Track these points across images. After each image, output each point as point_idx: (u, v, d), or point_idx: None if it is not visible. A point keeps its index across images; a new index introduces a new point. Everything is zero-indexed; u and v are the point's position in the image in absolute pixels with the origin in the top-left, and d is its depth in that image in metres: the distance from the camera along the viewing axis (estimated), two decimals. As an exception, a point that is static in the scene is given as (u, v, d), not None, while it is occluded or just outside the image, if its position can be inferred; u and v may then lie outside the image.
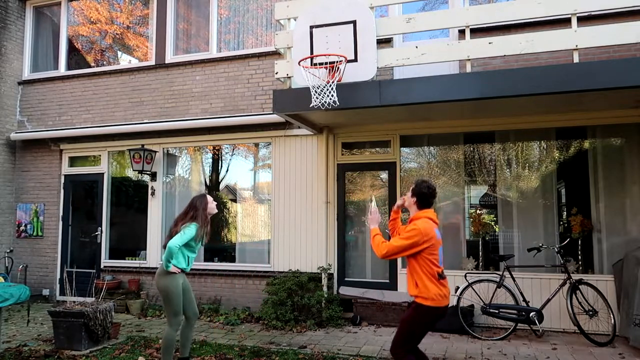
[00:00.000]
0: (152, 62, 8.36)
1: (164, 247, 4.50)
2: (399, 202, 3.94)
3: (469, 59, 5.38)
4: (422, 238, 3.48)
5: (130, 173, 8.59)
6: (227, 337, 6.05)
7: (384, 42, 6.62)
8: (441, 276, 3.56)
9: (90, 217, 8.76)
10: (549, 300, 5.76)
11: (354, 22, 5.53)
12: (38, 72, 9.32)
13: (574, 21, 5.06)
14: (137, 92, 8.41)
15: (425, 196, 3.69)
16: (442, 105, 5.58)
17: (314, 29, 5.65)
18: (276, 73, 6.01)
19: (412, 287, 3.59)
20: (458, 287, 6.09)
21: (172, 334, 4.49)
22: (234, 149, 8.24)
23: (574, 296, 5.66)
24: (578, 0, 5.05)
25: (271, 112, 6.99)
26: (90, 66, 9.17)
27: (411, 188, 3.78)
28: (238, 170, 8.23)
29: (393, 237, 3.89)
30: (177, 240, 4.44)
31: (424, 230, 3.51)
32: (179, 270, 4.51)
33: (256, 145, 8.04)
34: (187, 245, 4.56)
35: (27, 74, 9.33)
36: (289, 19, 6.12)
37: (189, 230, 4.50)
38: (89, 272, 8.28)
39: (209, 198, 4.75)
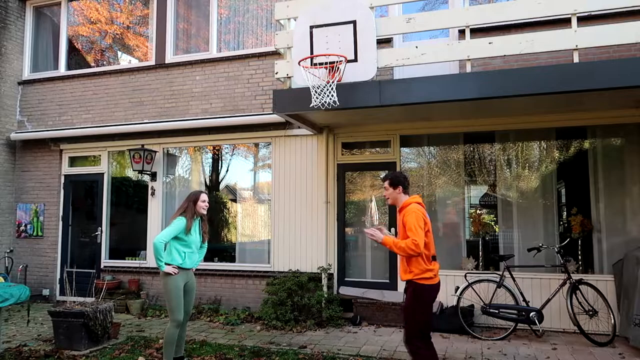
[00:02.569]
0: (152, 62, 8.36)
1: None
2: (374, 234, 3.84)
3: (469, 59, 5.38)
4: (423, 219, 3.71)
5: (130, 173, 8.59)
6: (227, 337, 6.05)
7: (384, 42, 6.61)
8: (434, 258, 3.81)
9: (90, 217, 8.76)
10: (549, 300, 5.76)
11: (354, 22, 5.53)
12: (38, 72, 9.32)
13: (574, 21, 5.06)
14: (137, 92, 8.41)
15: (403, 179, 3.96)
16: (442, 105, 5.58)
17: (314, 29, 5.65)
18: (276, 73, 6.01)
19: (406, 272, 3.76)
20: (458, 287, 6.09)
21: (172, 331, 4.48)
22: (234, 149, 8.24)
23: (574, 296, 5.66)
24: (578, 0, 5.05)
25: (271, 112, 6.99)
26: (90, 66, 9.17)
27: (388, 184, 3.95)
28: (238, 170, 8.23)
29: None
30: (160, 236, 4.40)
31: (422, 214, 3.76)
32: (176, 271, 4.48)
33: (256, 145, 8.04)
34: (178, 239, 4.52)
35: (27, 74, 9.33)
36: (289, 19, 6.12)
37: (175, 223, 4.47)
38: (89, 272, 8.28)
39: (203, 196, 4.69)
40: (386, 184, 3.96)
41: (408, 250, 3.59)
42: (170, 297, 4.47)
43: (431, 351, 3.71)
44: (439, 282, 3.80)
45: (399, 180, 3.92)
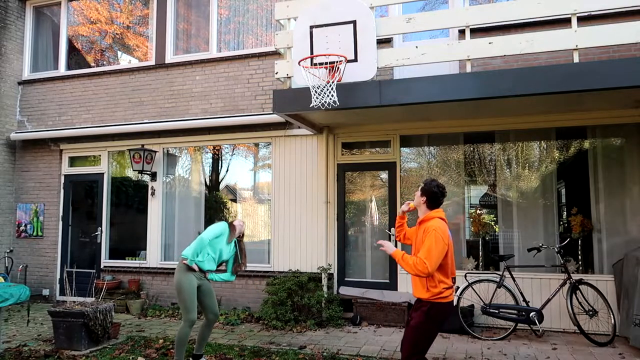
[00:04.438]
0: (152, 62, 8.36)
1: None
2: (403, 207, 3.80)
3: (469, 59, 5.38)
4: (445, 240, 3.38)
5: (130, 173, 8.59)
6: (227, 337, 6.05)
7: (384, 42, 6.61)
8: (453, 280, 3.50)
9: (90, 217, 8.75)
10: (549, 300, 5.76)
11: (354, 22, 5.53)
12: (38, 72, 9.32)
13: (574, 21, 5.06)
14: (137, 92, 8.41)
15: (435, 195, 3.57)
16: (442, 105, 5.58)
17: (313, 29, 5.65)
18: (276, 73, 6.01)
19: (422, 290, 3.45)
20: (458, 287, 6.08)
21: (184, 331, 4.49)
22: (234, 149, 8.24)
23: (574, 296, 5.66)
24: (578, 0, 5.05)
25: (271, 112, 6.98)
26: (90, 66, 9.17)
27: (420, 187, 3.66)
28: (238, 170, 8.23)
29: (405, 241, 3.82)
30: (208, 234, 4.55)
31: (442, 232, 3.39)
32: (197, 268, 4.56)
33: (256, 145, 8.04)
34: (211, 246, 4.62)
35: (27, 74, 9.33)
36: (289, 19, 6.12)
37: (217, 226, 4.64)
38: (89, 272, 8.28)
39: (237, 223, 4.85)
40: (420, 188, 3.67)
41: (415, 270, 3.32)
42: (185, 296, 4.47)
43: None
44: (452, 301, 3.51)
45: (426, 190, 3.59)
